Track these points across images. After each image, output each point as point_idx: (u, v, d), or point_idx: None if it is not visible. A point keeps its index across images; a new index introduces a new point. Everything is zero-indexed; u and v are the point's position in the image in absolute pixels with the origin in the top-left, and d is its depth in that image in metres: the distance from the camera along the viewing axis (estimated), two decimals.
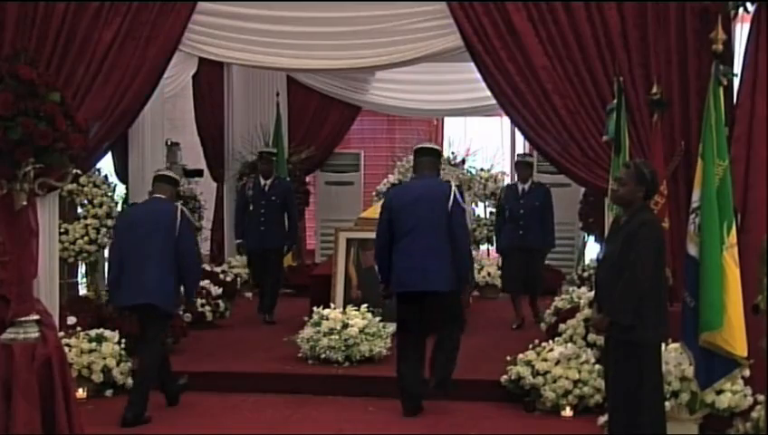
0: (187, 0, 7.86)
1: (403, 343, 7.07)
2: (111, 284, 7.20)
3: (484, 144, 15.09)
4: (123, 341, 7.84)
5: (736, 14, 6.97)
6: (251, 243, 10.28)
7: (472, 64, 7.86)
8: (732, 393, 6.14)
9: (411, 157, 14.16)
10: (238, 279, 11.29)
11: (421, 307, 6.97)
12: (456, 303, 7.12)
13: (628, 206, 5.57)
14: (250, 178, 10.78)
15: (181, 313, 9.13)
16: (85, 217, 9.65)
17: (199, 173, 12.71)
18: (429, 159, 7.19)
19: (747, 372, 5.85)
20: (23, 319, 5.34)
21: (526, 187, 9.89)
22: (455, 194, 6.89)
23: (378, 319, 8.31)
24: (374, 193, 14.15)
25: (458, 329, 7.19)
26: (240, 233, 10.44)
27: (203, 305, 9.71)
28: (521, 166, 10.14)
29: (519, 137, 13.62)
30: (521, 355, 7.33)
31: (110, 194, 9.90)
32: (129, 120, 8.15)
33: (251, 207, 10.16)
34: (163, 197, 7.24)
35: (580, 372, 7.06)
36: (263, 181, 10.26)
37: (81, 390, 7.30)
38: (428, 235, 6.84)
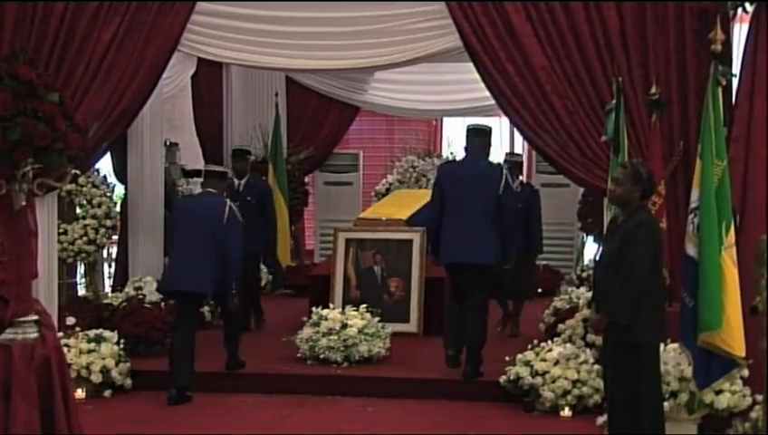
0: (186, 0, 7.86)
1: (451, 309, 7.73)
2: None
3: None
4: (122, 341, 7.85)
5: (735, 14, 6.98)
6: None
7: (471, 65, 7.86)
8: (731, 393, 6.15)
9: (409, 158, 14.28)
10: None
11: (465, 277, 7.52)
12: (488, 282, 7.61)
13: (626, 206, 5.58)
14: None
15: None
16: (84, 218, 9.66)
17: (198, 173, 12.67)
18: (482, 140, 7.66)
19: (746, 372, 5.85)
20: (21, 319, 5.33)
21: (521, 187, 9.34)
22: (506, 177, 7.53)
23: (377, 319, 8.32)
24: (373, 193, 14.16)
25: (484, 311, 7.61)
26: None
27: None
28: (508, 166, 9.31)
29: (518, 137, 13.64)
30: (520, 355, 7.33)
31: (108, 194, 9.92)
32: (128, 120, 8.15)
33: None
34: (214, 191, 7.81)
35: (578, 372, 7.06)
36: (236, 181, 9.58)
37: (79, 390, 7.30)
38: (477, 212, 7.42)
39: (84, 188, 9.62)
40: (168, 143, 11.55)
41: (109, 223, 9.80)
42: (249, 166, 9.87)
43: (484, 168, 7.58)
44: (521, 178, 9.53)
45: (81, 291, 10.43)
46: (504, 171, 7.60)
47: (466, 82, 11.67)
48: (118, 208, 10.17)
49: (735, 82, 6.81)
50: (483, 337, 7.53)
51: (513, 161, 9.54)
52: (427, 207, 7.77)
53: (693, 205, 5.72)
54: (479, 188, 7.45)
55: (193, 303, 7.74)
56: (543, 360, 7.19)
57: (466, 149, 7.82)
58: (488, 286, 7.66)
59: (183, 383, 7.40)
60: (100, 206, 9.69)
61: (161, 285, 7.95)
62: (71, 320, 8.07)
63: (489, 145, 7.74)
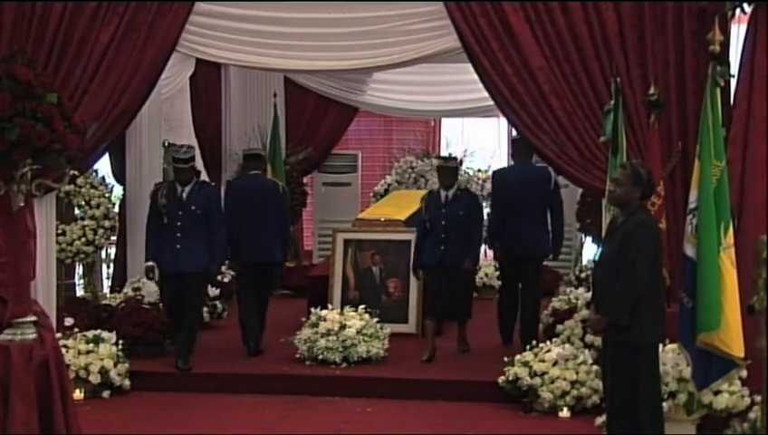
0: (185, 0, 7.86)
1: (503, 297, 8.74)
2: (233, 245, 8.58)
3: (482, 145, 15.09)
4: (121, 342, 7.84)
5: (733, 14, 6.97)
6: (165, 265, 8.08)
7: (469, 65, 7.86)
8: (729, 394, 6.15)
9: (408, 158, 14.29)
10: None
11: (520, 268, 8.46)
12: (540, 271, 8.67)
13: (625, 206, 5.59)
14: (163, 183, 8.76)
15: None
16: (82, 219, 9.66)
17: (197, 174, 12.68)
18: (527, 148, 8.26)
19: (744, 373, 5.85)
20: (20, 320, 5.34)
21: (450, 194, 8.42)
22: (554, 179, 8.38)
23: (375, 320, 8.32)
24: (371, 194, 14.15)
25: (538, 297, 8.59)
26: (152, 253, 8.14)
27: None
28: (443, 171, 8.58)
29: None
30: (518, 356, 7.34)
31: (107, 195, 9.91)
32: (127, 121, 8.15)
33: (165, 220, 8.09)
34: (259, 172, 8.92)
35: (577, 372, 7.06)
36: (179, 188, 8.14)
37: (78, 391, 7.29)
38: (532, 210, 8.40)
39: (83, 189, 9.61)
40: (166, 144, 11.54)
41: (107, 224, 9.80)
42: (194, 171, 8.42)
43: (533, 171, 8.48)
44: (457, 184, 8.60)
45: (80, 292, 10.43)
46: (552, 173, 8.32)
47: (465, 82, 11.66)
48: (116, 209, 10.16)
49: (734, 82, 6.81)
50: (538, 312, 8.51)
51: (446, 166, 8.63)
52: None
53: (691, 205, 5.72)
54: (532, 189, 8.38)
55: (263, 271, 8.70)
56: (542, 360, 7.19)
57: (513, 156, 8.81)
58: (541, 274, 8.73)
59: (255, 340, 8.52)
60: (98, 206, 9.68)
61: (238, 257, 8.63)
62: (69, 321, 8.06)
63: (533, 152, 8.32)
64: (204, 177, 10.68)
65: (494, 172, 9.08)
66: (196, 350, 8.19)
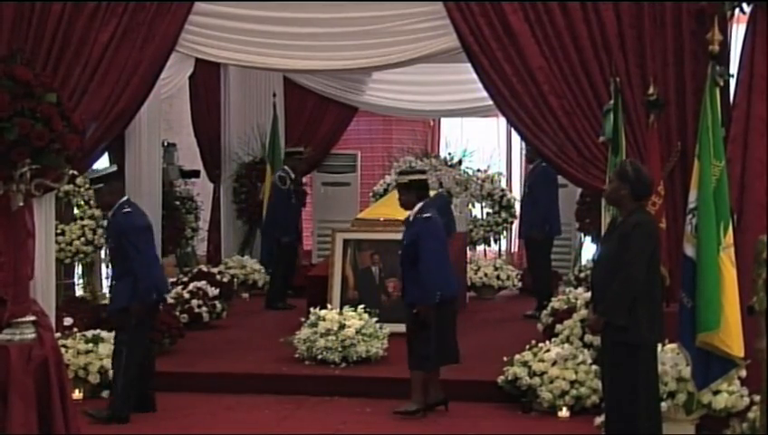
0: (184, 0, 7.86)
1: (549, 274, 10.97)
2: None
3: (481, 145, 15.07)
4: None
5: (732, 14, 6.98)
6: None
7: (468, 65, 7.87)
8: (728, 394, 6.15)
9: (407, 158, 14.32)
10: (235, 280, 11.29)
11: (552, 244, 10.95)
12: None
13: (618, 205, 5.62)
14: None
15: (178, 313, 9.17)
16: (82, 218, 9.64)
17: (196, 174, 12.70)
18: None
19: (744, 373, 5.85)
20: (19, 320, 5.34)
21: (411, 217, 7.07)
22: None
23: (374, 320, 8.31)
24: (371, 194, 14.13)
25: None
26: None
27: (199, 306, 9.69)
28: (402, 189, 7.14)
29: (515, 138, 13.65)
30: (517, 356, 7.34)
31: None
32: (126, 120, 8.15)
33: None
34: (286, 167, 11.21)
35: (576, 372, 7.06)
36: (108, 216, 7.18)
37: (77, 391, 7.29)
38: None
39: (82, 189, 9.60)
40: (165, 144, 11.54)
41: (106, 224, 9.77)
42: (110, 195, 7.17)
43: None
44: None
45: (79, 291, 10.42)
46: None
47: (464, 82, 11.67)
48: None
49: (733, 82, 6.82)
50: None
51: (404, 183, 7.16)
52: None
53: (691, 205, 5.72)
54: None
55: (275, 244, 11.08)
56: (541, 360, 7.19)
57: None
58: None
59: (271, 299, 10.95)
60: (97, 206, 9.67)
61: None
62: (68, 320, 8.07)
63: None
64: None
65: (545, 167, 10.19)
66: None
